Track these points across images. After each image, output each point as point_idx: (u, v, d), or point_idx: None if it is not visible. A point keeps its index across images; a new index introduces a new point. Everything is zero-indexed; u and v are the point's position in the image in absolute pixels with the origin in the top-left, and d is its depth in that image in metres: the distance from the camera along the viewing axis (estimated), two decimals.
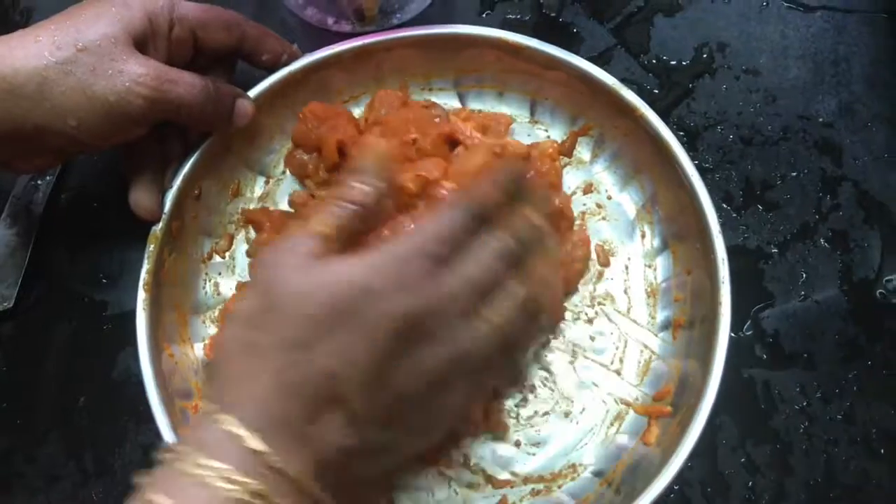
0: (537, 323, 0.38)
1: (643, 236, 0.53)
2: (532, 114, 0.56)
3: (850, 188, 0.55)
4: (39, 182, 0.56)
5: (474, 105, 0.57)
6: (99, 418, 0.51)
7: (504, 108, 0.57)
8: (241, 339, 0.34)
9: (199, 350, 0.50)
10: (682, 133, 0.57)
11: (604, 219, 0.54)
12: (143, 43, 0.45)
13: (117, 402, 0.51)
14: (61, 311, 0.54)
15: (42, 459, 0.50)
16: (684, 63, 0.60)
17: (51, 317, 0.54)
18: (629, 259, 0.53)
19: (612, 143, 0.54)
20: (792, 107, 0.58)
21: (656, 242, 0.53)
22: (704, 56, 0.60)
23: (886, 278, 0.53)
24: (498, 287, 0.36)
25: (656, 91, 0.59)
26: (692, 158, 0.49)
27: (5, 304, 0.52)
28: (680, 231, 0.51)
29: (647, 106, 0.50)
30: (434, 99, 0.56)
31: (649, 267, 0.53)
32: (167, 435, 0.44)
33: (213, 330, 0.51)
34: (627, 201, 0.54)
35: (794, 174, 0.56)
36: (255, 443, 0.31)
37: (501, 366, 0.37)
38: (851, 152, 0.56)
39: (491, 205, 0.37)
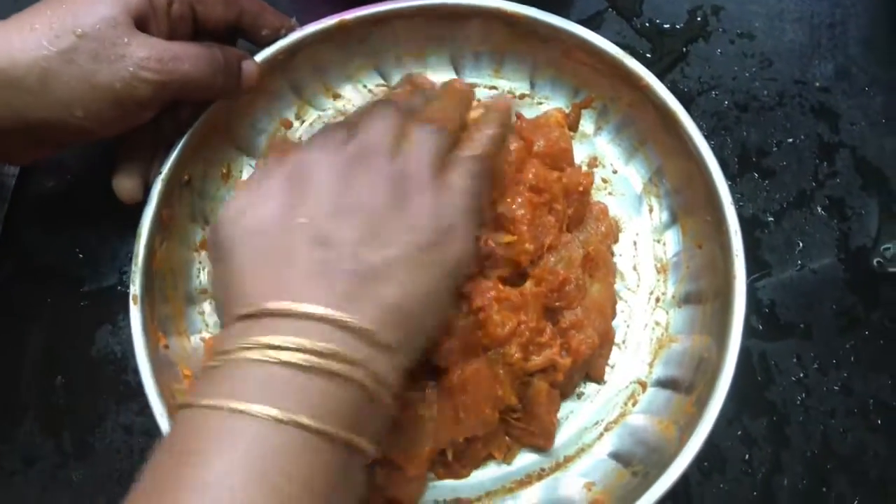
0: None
1: (651, 210, 0.52)
2: (532, 87, 0.54)
3: (848, 154, 0.54)
4: None
5: (471, 79, 0.55)
6: (77, 397, 0.50)
7: (502, 82, 0.55)
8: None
9: (195, 341, 0.48)
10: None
11: (610, 194, 0.53)
12: (144, 22, 0.43)
13: (96, 381, 0.50)
14: (36, 287, 0.52)
15: (19, 440, 0.49)
16: (678, 27, 0.58)
17: (26, 294, 0.52)
18: (637, 234, 0.52)
19: (616, 115, 0.52)
20: (788, 71, 0.57)
21: (664, 216, 0.51)
22: (698, 19, 0.58)
23: (884, 246, 0.52)
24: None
25: (649, 55, 0.57)
26: None
27: None
28: (688, 203, 0.49)
29: (651, 75, 0.48)
30: (430, 74, 0.53)
31: (658, 242, 0.51)
32: (165, 427, 0.41)
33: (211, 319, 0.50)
34: (633, 175, 0.53)
35: (791, 140, 0.55)
36: (315, 309, 0.31)
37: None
38: (849, 118, 0.55)
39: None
